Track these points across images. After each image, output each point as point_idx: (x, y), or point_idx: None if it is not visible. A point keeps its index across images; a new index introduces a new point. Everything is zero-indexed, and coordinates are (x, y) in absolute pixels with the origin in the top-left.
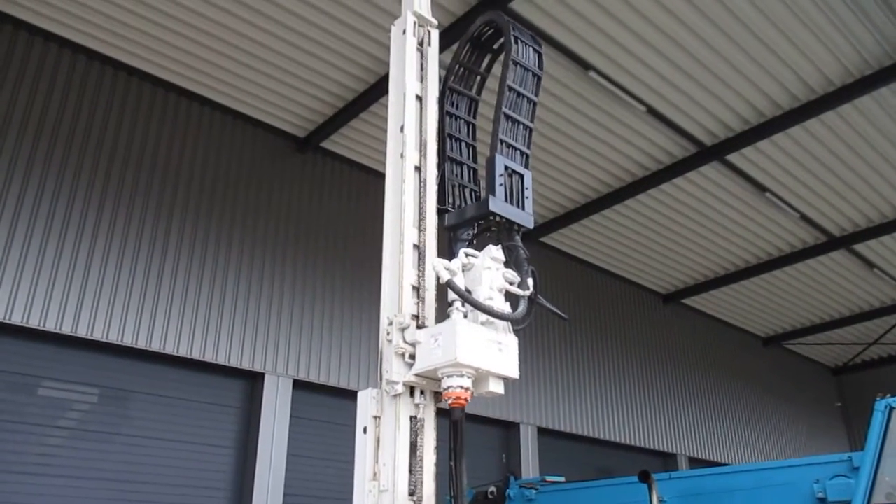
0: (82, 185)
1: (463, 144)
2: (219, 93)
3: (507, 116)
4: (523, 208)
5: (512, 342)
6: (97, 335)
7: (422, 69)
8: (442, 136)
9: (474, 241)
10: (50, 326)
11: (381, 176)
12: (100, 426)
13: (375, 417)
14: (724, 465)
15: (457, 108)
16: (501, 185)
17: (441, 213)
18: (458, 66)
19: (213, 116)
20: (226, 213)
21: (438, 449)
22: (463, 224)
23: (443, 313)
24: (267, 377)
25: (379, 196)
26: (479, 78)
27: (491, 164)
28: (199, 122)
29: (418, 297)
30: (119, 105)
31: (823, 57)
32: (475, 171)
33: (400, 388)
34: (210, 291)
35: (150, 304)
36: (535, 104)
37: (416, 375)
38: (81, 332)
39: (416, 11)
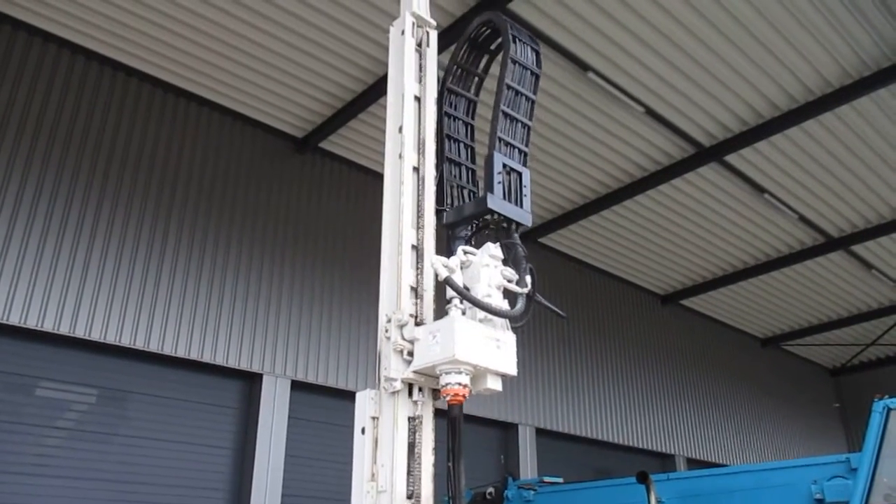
0: (80, 185)
1: (461, 145)
2: (217, 93)
3: (506, 114)
4: (521, 206)
5: (510, 339)
6: (95, 335)
7: (420, 70)
8: (440, 136)
9: (472, 240)
10: (48, 326)
11: (379, 176)
12: (98, 427)
13: (374, 418)
14: (722, 465)
15: (455, 108)
16: (500, 182)
17: (439, 213)
18: (455, 67)
19: (211, 117)
20: (224, 213)
21: (437, 449)
22: (461, 222)
23: (441, 314)
24: (265, 378)
25: (377, 197)
26: (476, 79)
27: (489, 161)
28: (198, 123)
29: (416, 297)
30: (117, 105)
31: (821, 58)
32: (473, 171)
33: (398, 385)
34: (208, 292)
35: (149, 305)
36: (533, 102)
37: (415, 372)
38: (79, 333)
39: (414, 12)
